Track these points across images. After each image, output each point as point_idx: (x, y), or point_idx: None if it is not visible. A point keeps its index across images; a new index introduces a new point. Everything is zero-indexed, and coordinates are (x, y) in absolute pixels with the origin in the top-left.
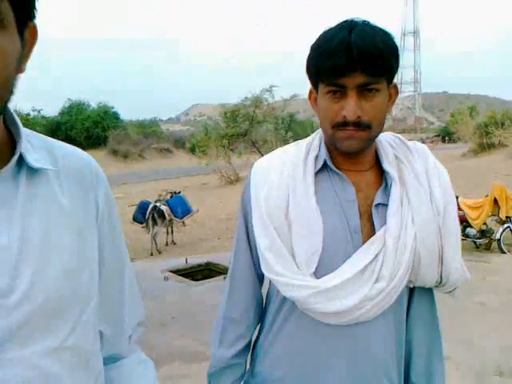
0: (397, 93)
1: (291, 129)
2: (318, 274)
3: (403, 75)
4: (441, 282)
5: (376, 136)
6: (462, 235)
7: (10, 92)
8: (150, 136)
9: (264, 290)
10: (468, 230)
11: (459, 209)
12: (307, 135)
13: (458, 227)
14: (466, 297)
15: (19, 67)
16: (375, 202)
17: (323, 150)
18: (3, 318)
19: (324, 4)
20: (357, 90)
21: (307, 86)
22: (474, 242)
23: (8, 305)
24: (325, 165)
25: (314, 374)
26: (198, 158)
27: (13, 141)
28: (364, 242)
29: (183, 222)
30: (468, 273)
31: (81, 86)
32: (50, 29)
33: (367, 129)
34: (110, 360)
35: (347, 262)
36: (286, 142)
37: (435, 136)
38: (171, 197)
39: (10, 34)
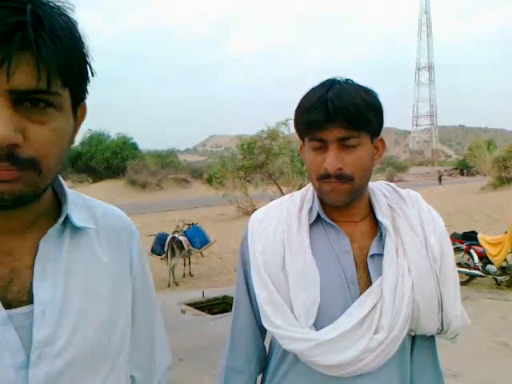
0: (384, 146)
1: None
2: (317, 325)
3: (419, 109)
4: (442, 329)
5: (360, 188)
6: (482, 272)
7: (62, 163)
8: (167, 166)
9: (267, 340)
10: (488, 266)
11: (479, 245)
12: None
13: (456, 273)
14: (487, 336)
15: (72, 141)
16: (370, 253)
17: (316, 202)
18: (46, 366)
19: (339, 42)
20: (337, 143)
21: None
22: (495, 279)
23: (51, 353)
24: (319, 216)
25: None
26: (215, 188)
27: (58, 200)
28: (361, 292)
29: (201, 253)
30: (468, 319)
31: (100, 116)
32: None
33: (350, 181)
34: None
35: (345, 313)
36: (302, 174)
37: (453, 169)
38: (188, 228)
39: (66, 115)
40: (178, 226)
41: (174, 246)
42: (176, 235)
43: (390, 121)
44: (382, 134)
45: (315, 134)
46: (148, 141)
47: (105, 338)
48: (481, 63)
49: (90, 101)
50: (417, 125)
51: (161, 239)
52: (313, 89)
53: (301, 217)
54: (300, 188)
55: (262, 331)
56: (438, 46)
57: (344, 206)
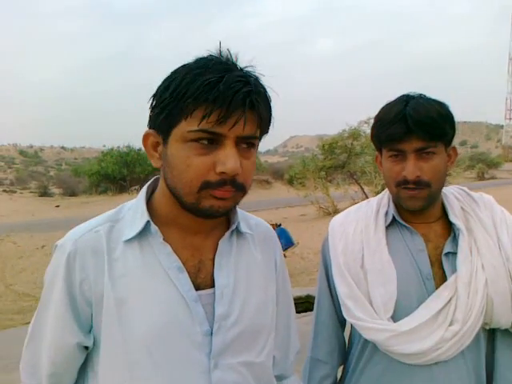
0: (456, 154)
1: None
2: (394, 317)
3: (511, 101)
4: None
5: (436, 193)
6: None
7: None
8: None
9: (346, 333)
10: None
11: None
12: None
13: None
14: None
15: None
16: (445, 251)
17: (391, 206)
18: (223, 334)
19: (426, 35)
20: (415, 153)
21: None
22: None
23: (226, 325)
24: (394, 219)
25: None
26: (296, 189)
27: None
28: (436, 287)
29: (284, 254)
30: None
31: None
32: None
33: (427, 187)
34: (277, 378)
35: (422, 306)
36: (379, 173)
37: None
38: (274, 229)
39: (255, 152)
40: None
41: None
42: None
43: (481, 115)
44: (473, 129)
45: (395, 145)
46: None
47: (260, 318)
48: None
49: None
50: (510, 118)
51: None
52: (390, 104)
53: (378, 219)
54: (383, 187)
55: (342, 325)
56: None
57: (419, 210)
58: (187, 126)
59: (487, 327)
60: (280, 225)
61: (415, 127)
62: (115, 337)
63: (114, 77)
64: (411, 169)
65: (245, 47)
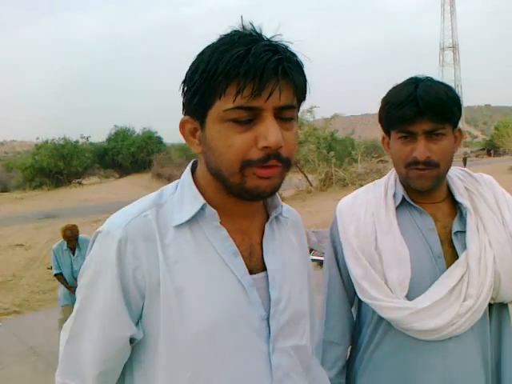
0: (461, 135)
1: (332, 148)
2: (409, 296)
3: None
4: None
5: (444, 173)
6: None
7: None
8: (192, 158)
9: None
10: None
11: None
12: (349, 153)
13: None
14: None
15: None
16: (454, 230)
17: (399, 187)
18: (277, 319)
19: (363, 20)
20: (425, 134)
21: (345, 103)
22: None
23: (279, 310)
24: (403, 200)
25: None
26: None
27: None
28: (448, 265)
29: None
30: None
31: (125, 111)
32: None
33: (436, 168)
34: None
35: (436, 284)
36: (328, 161)
37: (480, 150)
38: None
39: (296, 123)
40: None
41: None
42: None
43: None
44: None
45: (405, 127)
46: (173, 134)
47: (302, 302)
48: (506, 39)
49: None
50: None
51: None
52: (398, 86)
53: (387, 201)
54: (327, 175)
55: (351, 304)
56: (463, 25)
57: (427, 190)
58: (222, 105)
59: (492, 302)
60: None
61: (426, 109)
62: (177, 327)
63: (42, 64)
64: (422, 149)
65: (181, 37)
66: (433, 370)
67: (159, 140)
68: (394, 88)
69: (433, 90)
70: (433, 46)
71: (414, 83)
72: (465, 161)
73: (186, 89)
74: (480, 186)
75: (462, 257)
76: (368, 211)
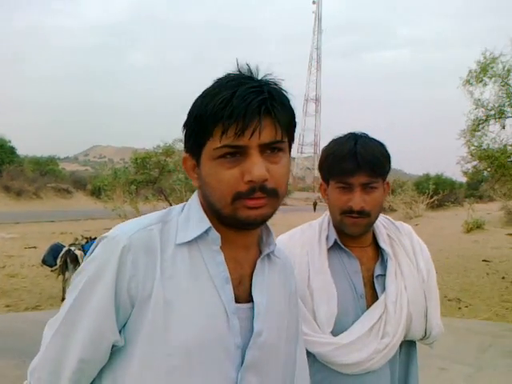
0: (389, 187)
1: None
2: (334, 332)
3: (304, 137)
4: (425, 335)
5: (374, 221)
6: None
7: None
8: (46, 174)
9: None
10: None
11: None
12: None
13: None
14: None
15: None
16: (376, 274)
17: (332, 230)
18: (254, 350)
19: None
20: (361, 186)
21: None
22: None
23: (258, 342)
24: (335, 243)
25: None
26: (103, 201)
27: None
28: (368, 305)
29: None
30: (443, 328)
31: None
32: None
33: (367, 216)
34: None
35: (358, 322)
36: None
37: None
38: (87, 242)
39: (286, 154)
40: (76, 239)
41: (68, 260)
42: (72, 248)
43: None
44: None
45: (344, 178)
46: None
47: (279, 341)
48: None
49: None
50: (301, 152)
51: (55, 250)
52: (339, 140)
53: (321, 242)
54: None
55: None
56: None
57: (357, 236)
58: (212, 145)
59: (403, 339)
60: (95, 238)
61: (363, 164)
62: (157, 339)
63: None
64: (358, 200)
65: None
66: None
67: (12, 150)
68: (335, 141)
69: (370, 147)
70: (298, 97)
71: (354, 139)
72: (315, 205)
73: (185, 129)
74: (400, 235)
75: (381, 298)
76: (303, 250)
